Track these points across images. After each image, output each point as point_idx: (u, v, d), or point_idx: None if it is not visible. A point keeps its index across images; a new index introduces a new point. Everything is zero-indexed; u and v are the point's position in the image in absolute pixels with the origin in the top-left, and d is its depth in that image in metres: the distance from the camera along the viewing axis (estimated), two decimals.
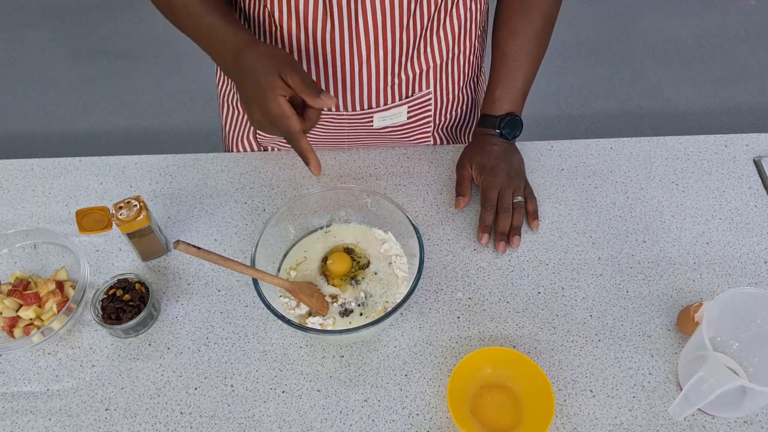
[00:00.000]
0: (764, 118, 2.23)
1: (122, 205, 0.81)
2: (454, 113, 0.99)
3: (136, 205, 0.81)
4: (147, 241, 0.84)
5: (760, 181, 0.94)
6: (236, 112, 1.02)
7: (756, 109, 2.27)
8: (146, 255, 0.87)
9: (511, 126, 0.91)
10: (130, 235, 0.82)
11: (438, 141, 1.02)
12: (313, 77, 0.85)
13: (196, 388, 0.76)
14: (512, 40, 0.89)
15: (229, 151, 1.06)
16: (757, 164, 0.95)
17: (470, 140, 0.95)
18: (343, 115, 0.91)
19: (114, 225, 0.81)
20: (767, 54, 2.45)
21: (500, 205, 0.87)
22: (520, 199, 0.87)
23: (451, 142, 1.04)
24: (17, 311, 0.81)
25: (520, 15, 0.89)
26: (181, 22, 0.79)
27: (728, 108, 2.28)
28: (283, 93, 0.68)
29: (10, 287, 0.83)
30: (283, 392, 0.76)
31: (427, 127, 0.97)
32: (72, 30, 2.66)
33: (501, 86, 0.90)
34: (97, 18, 2.68)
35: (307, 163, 0.70)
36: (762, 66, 2.41)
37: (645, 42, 2.51)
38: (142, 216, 0.80)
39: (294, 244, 0.85)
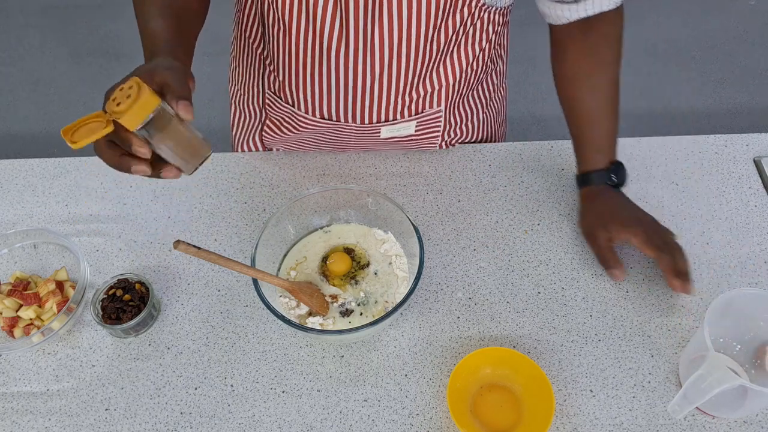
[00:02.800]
0: (764, 118, 2.23)
1: (115, 97, 0.57)
2: (465, 128, 0.99)
3: (131, 87, 0.56)
4: (172, 134, 0.60)
5: (760, 181, 0.94)
6: (244, 114, 1.02)
7: (756, 109, 2.27)
8: (188, 155, 0.63)
9: (620, 174, 0.87)
10: (149, 133, 0.59)
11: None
12: (325, 90, 0.85)
13: (196, 388, 0.76)
14: (590, 92, 0.87)
15: (234, 152, 1.06)
16: (757, 164, 0.95)
17: (582, 204, 0.89)
18: (351, 126, 0.90)
19: (116, 123, 0.57)
20: (767, 54, 2.45)
21: (670, 247, 0.79)
22: (677, 239, 0.81)
23: None
24: (17, 311, 0.81)
25: (593, 66, 0.86)
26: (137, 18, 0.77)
27: (728, 108, 2.28)
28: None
29: (10, 287, 0.83)
30: (283, 392, 0.76)
31: (435, 140, 0.97)
32: (72, 30, 2.66)
33: (593, 139, 0.87)
34: (97, 18, 2.69)
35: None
36: (762, 66, 2.41)
37: (645, 42, 2.51)
38: (144, 95, 0.56)
39: (294, 244, 0.85)
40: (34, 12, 2.75)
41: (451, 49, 0.82)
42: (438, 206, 0.92)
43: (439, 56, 0.82)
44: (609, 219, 0.83)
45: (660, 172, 0.95)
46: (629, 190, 0.93)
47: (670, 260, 0.78)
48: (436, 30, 0.78)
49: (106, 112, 0.57)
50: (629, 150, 0.98)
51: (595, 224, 0.84)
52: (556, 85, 0.91)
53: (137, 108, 0.55)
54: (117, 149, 0.60)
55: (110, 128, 0.57)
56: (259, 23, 0.87)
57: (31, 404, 0.76)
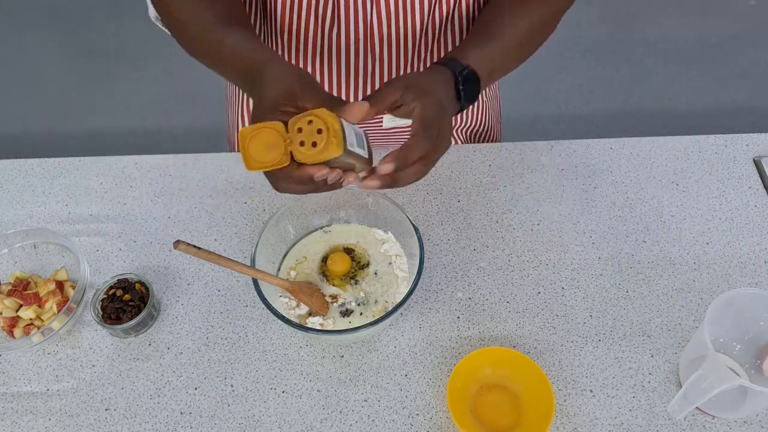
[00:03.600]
0: (764, 118, 2.23)
1: (301, 128, 0.54)
2: (462, 116, 0.99)
3: (321, 130, 0.54)
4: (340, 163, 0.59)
5: (760, 181, 0.94)
6: (242, 113, 1.02)
7: (756, 109, 2.27)
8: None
9: (471, 82, 0.70)
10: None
11: None
12: (326, 76, 0.85)
13: (196, 388, 0.76)
14: (520, 12, 0.77)
15: (234, 150, 1.06)
16: (757, 164, 0.95)
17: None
18: None
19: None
20: (767, 54, 2.45)
21: (426, 147, 0.62)
22: (440, 152, 0.65)
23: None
24: (17, 311, 0.81)
25: (520, 5, 0.77)
26: (195, 45, 0.70)
27: (728, 108, 2.28)
28: (281, 118, 0.57)
29: (10, 287, 0.83)
30: (283, 392, 0.76)
31: None
32: (72, 30, 2.66)
33: (479, 48, 0.73)
34: (97, 18, 2.68)
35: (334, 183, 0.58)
36: (762, 66, 2.41)
37: (645, 42, 2.51)
38: (331, 143, 0.54)
39: (294, 244, 0.85)
40: (34, 12, 2.74)
41: (448, 28, 0.83)
42: (438, 206, 0.92)
43: (436, 36, 0.82)
44: (420, 85, 0.65)
45: (660, 172, 0.95)
46: (628, 189, 0.93)
47: (414, 150, 0.61)
48: (432, 7, 0.78)
49: (287, 130, 0.55)
50: (629, 150, 0.98)
51: (403, 78, 0.66)
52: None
53: (322, 156, 0.54)
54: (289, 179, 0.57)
55: (286, 162, 0.55)
56: (255, 18, 0.87)
57: (31, 404, 0.75)
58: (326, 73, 0.85)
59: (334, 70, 0.84)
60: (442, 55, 0.86)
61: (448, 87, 0.69)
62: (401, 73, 0.85)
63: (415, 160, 0.61)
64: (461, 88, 0.69)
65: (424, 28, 0.80)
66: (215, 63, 0.69)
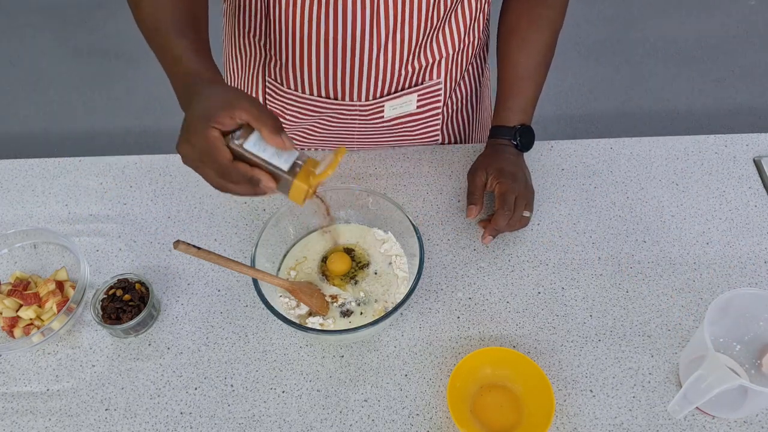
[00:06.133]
0: (764, 118, 2.23)
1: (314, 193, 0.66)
2: (460, 103, 1.00)
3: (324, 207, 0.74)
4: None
5: (760, 181, 0.94)
6: None
7: (756, 109, 2.27)
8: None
9: (525, 137, 0.91)
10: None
11: (447, 139, 1.02)
12: (331, 65, 0.86)
13: (196, 388, 0.76)
14: (522, 50, 0.90)
15: None
16: (757, 164, 0.95)
17: (484, 150, 0.94)
18: (355, 105, 0.91)
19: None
20: (767, 54, 2.45)
21: (512, 214, 0.85)
22: (528, 214, 0.85)
23: (458, 141, 1.04)
24: (17, 311, 0.81)
25: (530, 24, 0.89)
26: (149, 38, 0.73)
27: (728, 108, 2.28)
28: (217, 126, 0.61)
29: (10, 287, 0.83)
30: (283, 392, 0.76)
31: (437, 118, 0.97)
32: (72, 30, 2.66)
33: (513, 97, 0.91)
34: (97, 18, 2.69)
35: (257, 182, 0.61)
36: (762, 66, 2.41)
37: (645, 42, 2.51)
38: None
39: (294, 244, 0.85)
40: (34, 12, 2.74)
41: (449, 17, 0.84)
42: (438, 206, 0.92)
43: (439, 23, 0.84)
44: (492, 166, 0.88)
45: (660, 172, 0.95)
46: (628, 189, 0.93)
47: (501, 220, 0.84)
48: None
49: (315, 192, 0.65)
50: (629, 150, 0.98)
51: (481, 166, 0.89)
52: (497, 37, 0.95)
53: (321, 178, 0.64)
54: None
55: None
56: (255, 12, 0.87)
57: (31, 404, 0.75)
58: (330, 64, 0.85)
59: (339, 61, 0.85)
60: (440, 49, 0.88)
61: (509, 153, 0.90)
62: (404, 64, 0.86)
63: (503, 226, 0.84)
64: (518, 145, 0.90)
65: (429, 15, 0.81)
66: (162, 65, 0.73)
